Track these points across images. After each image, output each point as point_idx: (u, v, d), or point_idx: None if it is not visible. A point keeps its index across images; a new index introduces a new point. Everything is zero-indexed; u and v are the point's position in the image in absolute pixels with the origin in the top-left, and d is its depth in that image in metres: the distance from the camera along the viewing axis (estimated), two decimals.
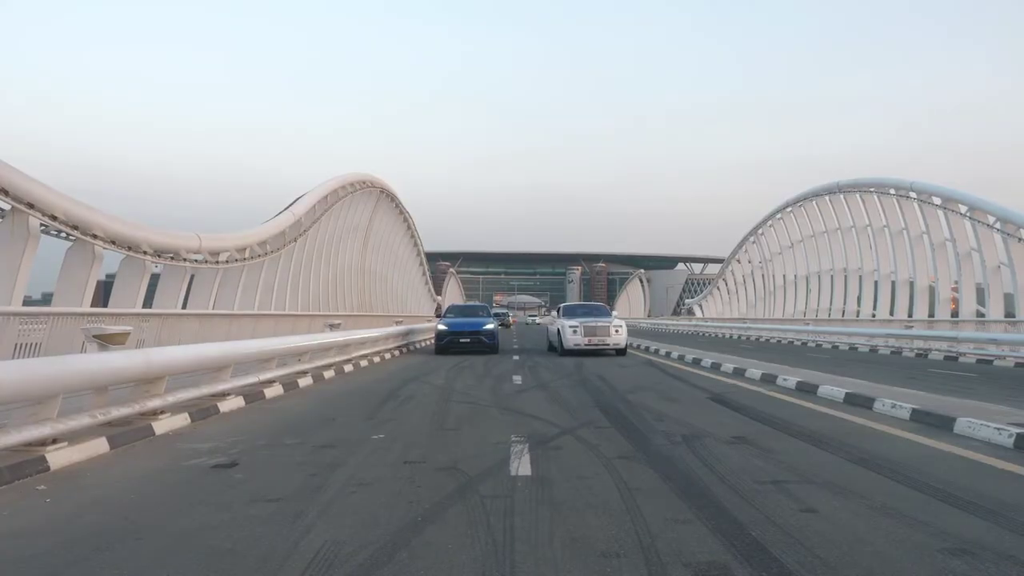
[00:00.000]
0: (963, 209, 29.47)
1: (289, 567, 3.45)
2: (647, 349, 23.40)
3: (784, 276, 50.44)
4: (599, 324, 20.12)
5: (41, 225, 13.67)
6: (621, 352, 20.25)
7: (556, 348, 21.26)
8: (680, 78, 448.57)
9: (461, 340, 21.13)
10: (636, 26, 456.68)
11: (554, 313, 24.58)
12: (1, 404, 5.46)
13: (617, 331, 20.02)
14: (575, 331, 19.74)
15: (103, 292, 23.05)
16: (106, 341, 7.28)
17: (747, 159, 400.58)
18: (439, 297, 77.22)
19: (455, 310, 25.87)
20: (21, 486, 5.13)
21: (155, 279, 18.34)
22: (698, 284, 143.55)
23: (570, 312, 22.24)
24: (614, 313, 23.10)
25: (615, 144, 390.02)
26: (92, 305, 14.83)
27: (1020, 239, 26.25)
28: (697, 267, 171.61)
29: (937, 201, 31.54)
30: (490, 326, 21.87)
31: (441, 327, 21.72)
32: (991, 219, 27.79)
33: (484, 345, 21.27)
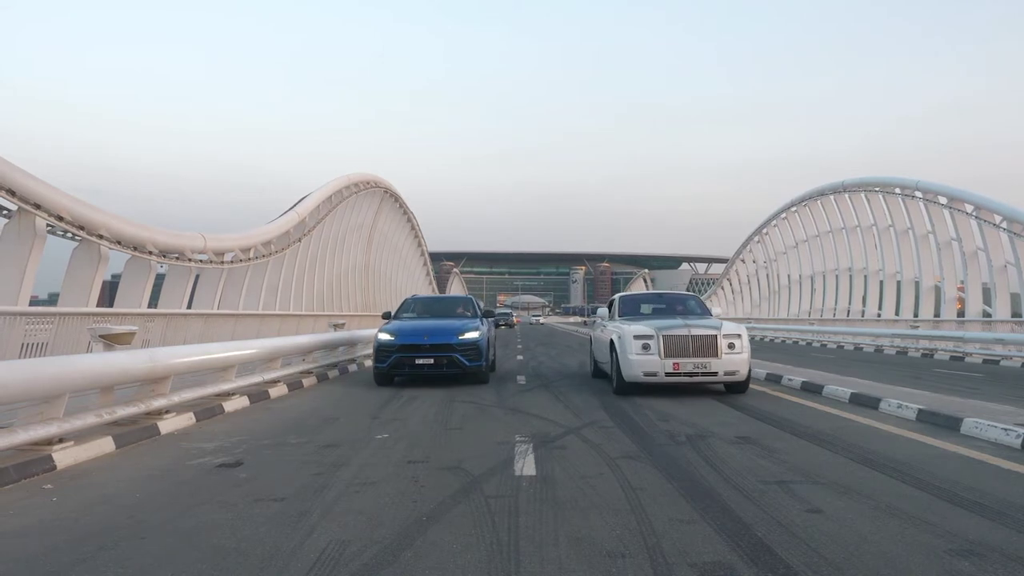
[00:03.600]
0: (969, 208, 29.36)
1: (294, 566, 3.45)
2: None
3: (788, 276, 50.33)
4: (695, 333, 10.11)
5: (47, 225, 13.73)
6: (738, 388, 10.45)
7: (606, 373, 11.66)
8: (685, 77, 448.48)
9: (418, 361, 11.70)
10: (642, 24, 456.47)
11: (602, 312, 13.42)
12: (8, 403, 5.49)
13: (732, 346, 10.09)
14: (646, 345, 10.08)
15: (108, 292, 23.19)
16: (112, 341, 7.31)
17: (751, 158, 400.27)
18: None
19: (416, 306, 14.21)
20: (28, 485, 5.15)
21: (160, 279, 18.42)
22: (702, 284, 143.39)
23: (631, 308, 12.29)
24: (715, 311, 12.46)
25: (619, 144, 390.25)
26: (98, 305, 14.89)
27: None
28: (701, 267, 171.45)
29: (943, 200, 31.43)
30: (473, 335, 12.04)
31: (383, 338, 12.02)
32: (997, 218, 27.68)
33: (460, 369, 11.76)
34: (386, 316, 13.79)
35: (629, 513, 4.30)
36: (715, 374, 10.02)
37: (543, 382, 12.70)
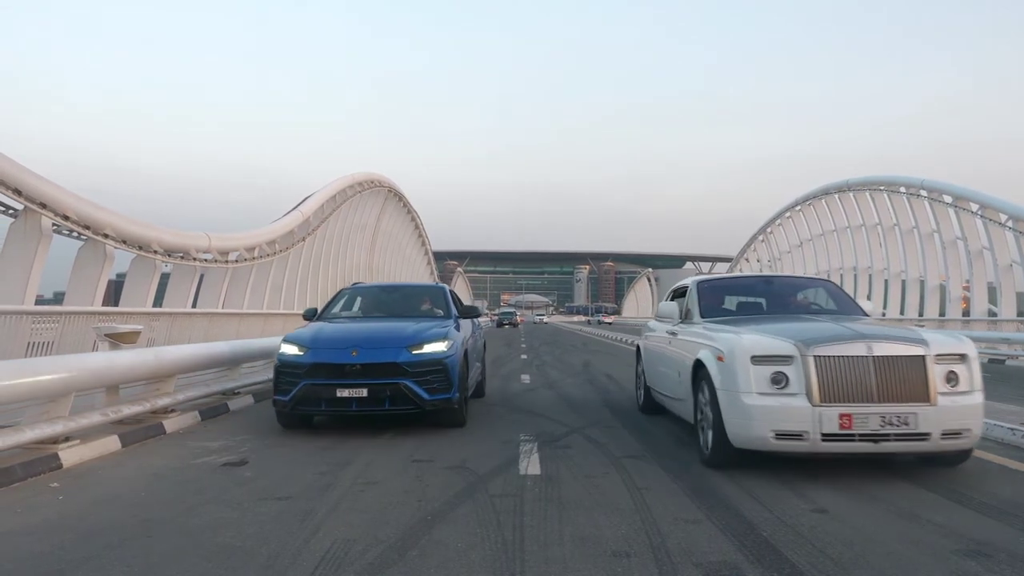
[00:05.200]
0: (974, 207, 29.29)
1: (299, 565, 3.46)
2: None
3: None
4: (882, 352, 4.93)
5: (53, 225, 13.80)
6: (956, 458, 5.34)
7: (673, 412, 7.29)
8: (688, 77, 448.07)
9: (341, 392, 6.93)
10: (644, 24, 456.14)
11: (667, 311, 7.50)
12: (14, 402, 5.51)
13: (953, 378, 4.96)
14: (778, 377, 4.99)
15: (113, 291, 23.28)
16: (117, 340, 7.34)
17: (753, 157, 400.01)
18: None
19: (358, 299, 9.52)
20: (34, 483, 5.17)
21: (165, 278, 18.49)
22: None
23: (720, 302, 7.27)
24: (867, 306, 6.83)
25: (623, 143, 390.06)
26: (103, 304, 14.94)
27: None
28: (705, 266, 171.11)
29: (948, 199, 31.35)
30: (437, 347, 7.29)
31: (287, 351, 7.31)
32: (1003, 217, 27.60)
33: (414, 405, 6.99)
34: (310, 315, 8.63)
35: (634, 512, 4.30)
36: (924, 437, 4.88)
37: (547, 381, 12.70)
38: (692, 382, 6.05)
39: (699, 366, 5.85)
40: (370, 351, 7.06)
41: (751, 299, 7.44)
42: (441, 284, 10.13)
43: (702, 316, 6.72)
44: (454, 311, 8.84)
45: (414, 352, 7.14)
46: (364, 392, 6.93)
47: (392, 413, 7.15)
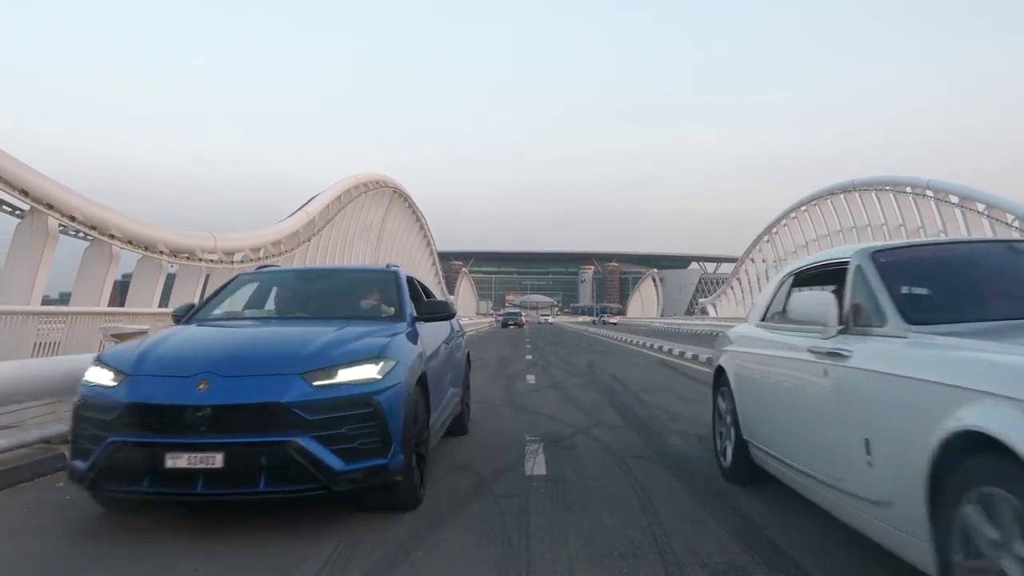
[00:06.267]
0: (981, 208, 29.24)
1: (305, 565, 3.46)
2: (660, 348, 23.31)
3: None
4: None
5: (60, 225, 13.87)
6: None
7: (876, 535, 2.96)
8: (691, 76, 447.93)
9: (171, 461, 3.65)
10: (648, 22, 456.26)
11: (803, 309, 3.61)
12: (21, 402, 5.53)
13: None
14: None
15: (119, 292, 23.38)
16: (124, 340, 7.35)
17: (758, 157, 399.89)
18: (451, 297, 76.38)
19: (269, 290, 6.00)
20: (41, 483, 5.19)
21: (171, 279, 18.57)
22: (711, 283, 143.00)
23: (918, 287, 3.57)
24: None
25: (628, 143, 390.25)
26: (109, 304, 15.01)
27: None
28: (710, 266, 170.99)
29: (954, 199, 31.30)
30: (363, 372, 4.01)
31: (93, 379, 4.04)
32: (1010, 217, 27.56)
33: (317, 482, 3.76)
34: (180, 315, 5.44)
35: (640, 513, 4.29)
36: None
37: (552, 381, 12.69)
38: (930, 477, 2.46)
39: (973, 445, 2.28)
40: (232, 382, 3.91)
41: (985, 285, 3.65)
42: (393, 268, 6.36)
43: (908, 321, 3.12)
44: (409, 310, 5.48)
45: (317, 383, 3.95)
46: (217, 459, 3.71)
47: (268, 497, 3.98)
